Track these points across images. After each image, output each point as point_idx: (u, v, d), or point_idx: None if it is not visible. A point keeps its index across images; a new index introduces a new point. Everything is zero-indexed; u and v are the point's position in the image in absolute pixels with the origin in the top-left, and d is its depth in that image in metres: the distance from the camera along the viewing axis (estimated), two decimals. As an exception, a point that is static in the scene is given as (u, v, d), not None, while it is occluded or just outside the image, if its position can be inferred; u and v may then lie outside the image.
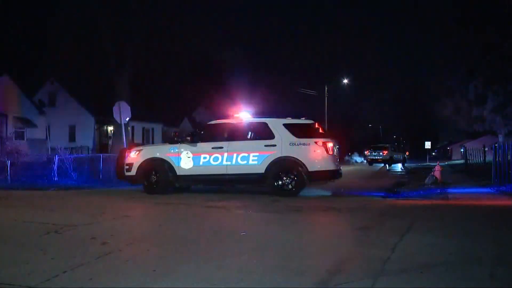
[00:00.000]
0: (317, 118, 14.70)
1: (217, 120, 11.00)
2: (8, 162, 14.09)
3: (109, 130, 34.84)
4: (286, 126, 10.04)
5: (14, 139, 28.80)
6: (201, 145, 10.12)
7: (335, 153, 10.20)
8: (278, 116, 10.64)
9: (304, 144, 9.84)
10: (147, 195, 10.09)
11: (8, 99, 28.07)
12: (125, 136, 17.12)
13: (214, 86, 45.28)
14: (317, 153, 9.85)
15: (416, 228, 5.99)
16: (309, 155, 9.80)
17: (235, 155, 9.87)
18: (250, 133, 10.34)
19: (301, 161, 9.73)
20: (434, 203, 9.62)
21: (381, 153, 38.62)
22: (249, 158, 9.83)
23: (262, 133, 10.11)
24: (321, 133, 10.37)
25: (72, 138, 34.92)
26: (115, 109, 16.66)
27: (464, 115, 28.41)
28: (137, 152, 10.56)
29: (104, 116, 30.12)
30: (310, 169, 9.72)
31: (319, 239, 5.41)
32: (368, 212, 7.87)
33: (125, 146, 17.42)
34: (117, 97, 19.51)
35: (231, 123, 10.54)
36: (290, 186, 9.75)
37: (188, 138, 10.38)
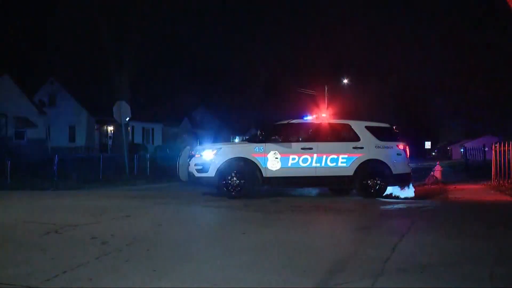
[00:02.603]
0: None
1: (300, 120, 10.63)
2: (8, 162, 14.08)
3: (109, 130, 34.82)
4: (368, 128, 10.05)
5: (14, 139, 28.83)
6: (290, 145, 9.65)
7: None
8: (358, 118, 10.67)
9: (388, 147, 9.94)
10: (147, 195, 10.08)
11: (8, 99, 28.06)
12: (125, 136, 17.13)
13: (214, 86, 45.31)
14: (399, 156, 10.00)
15: (416, 228, 5.99)
16: (393, 158, 9.90)
17: (324, 156, 9.63)
18: (334, 134, 10.10)
19: (387, 164, 9.80)
20: (434, 203, 9.63)
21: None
22: (338, 160, 9.68)
23: (346, 134, 10.02)
24: (399, 136, 10.41)
25: (72, 138, 34.90)
26: (115, 109, 16.68)
27: (464, 115, 28.40)
28: (215, 151, 9.53)
29: (104, 116, 30.08)
30: (394, 172, 9.82)
31: (319, 239, 5.41)
32: (368, 212, 7.87)
33: (125, 146, 17.46)
34: (117, 97, 19.52)
35: (315, 123, 10.32)
36: (376, 188, 9.76)
37: (276, 137, 9.77)
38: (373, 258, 4.35)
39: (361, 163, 9.70)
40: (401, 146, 10.10)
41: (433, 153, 66.49)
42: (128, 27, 22.02)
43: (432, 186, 13.97)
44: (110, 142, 32.50)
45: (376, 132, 10.03)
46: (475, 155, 26.34)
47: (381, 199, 10.03)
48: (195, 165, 9.47)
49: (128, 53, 22.47)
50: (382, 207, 8.58)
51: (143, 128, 39.80)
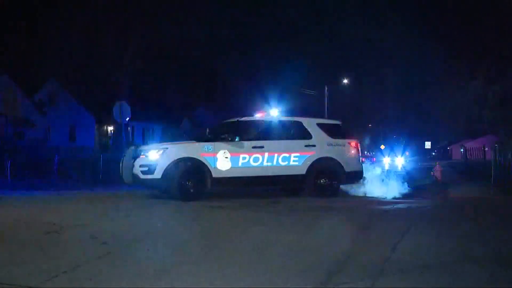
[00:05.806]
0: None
1: (250, 117, 10.20)
2: (8, 163, 14.08)
3: (109, 130, 34.81)
4: (320, 125, 9.92)
5: (14, 139, 28.79)
6: (240, 144, 9.25)
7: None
8: (308, 116, 10.54)
9: (340, 145, 9.82)
10: (147, 196, 10.07)
11: (8, 99, 28.04)
12: (125, 136, 17.13)
13: (214, 87, 45.31)
14: (351, 154, 9.93)
15: (416, 228, 5.99)
16: (345, 156, 9.81)
17: (276, 155, 9.37)
18: (285, 131, 9.86)
19: (339, 162, 9.69)
20: (434, 203, 9.63)
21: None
22: (290, 159, 9.47)
23: (298, 132, 9.81)
24: (350, 133, 10.35)
25: (72, 138, 34.88)
26: (115, 109, 16.66)
27: (464, 115, 28.45)
28: (161, 151, 8.92)
29: (104, 116, 30.08)
30: (346, 170, 9.74)
31: (319, 239, 5.41)
32: (368, 212, 7.87)
33: (125, 146, 17.43)
34: (117, 97, 19.50)
35: (265, 121, 9.98)
36: (329, 187, 9.67)
37: (226, 136, 9.28)
38: (373, 258, 4.35)
39: (313, 162, 9.54)
40: (353, 143, 9.99)
41: (433, 153, 66.47)
42: (128, 27, 22.03)
43: (432, 186, 13.97)
44: (110, 142, 32.47)
45: (328, 129, 9.89)
46: (475, 155, 26.31)
47: (382, 199, 10.04)
48: (140, 166, 8.92)
49: (128, 53, 22.47)
50: (381, 207, 8.58)
51: (143, 128, 39.78)
